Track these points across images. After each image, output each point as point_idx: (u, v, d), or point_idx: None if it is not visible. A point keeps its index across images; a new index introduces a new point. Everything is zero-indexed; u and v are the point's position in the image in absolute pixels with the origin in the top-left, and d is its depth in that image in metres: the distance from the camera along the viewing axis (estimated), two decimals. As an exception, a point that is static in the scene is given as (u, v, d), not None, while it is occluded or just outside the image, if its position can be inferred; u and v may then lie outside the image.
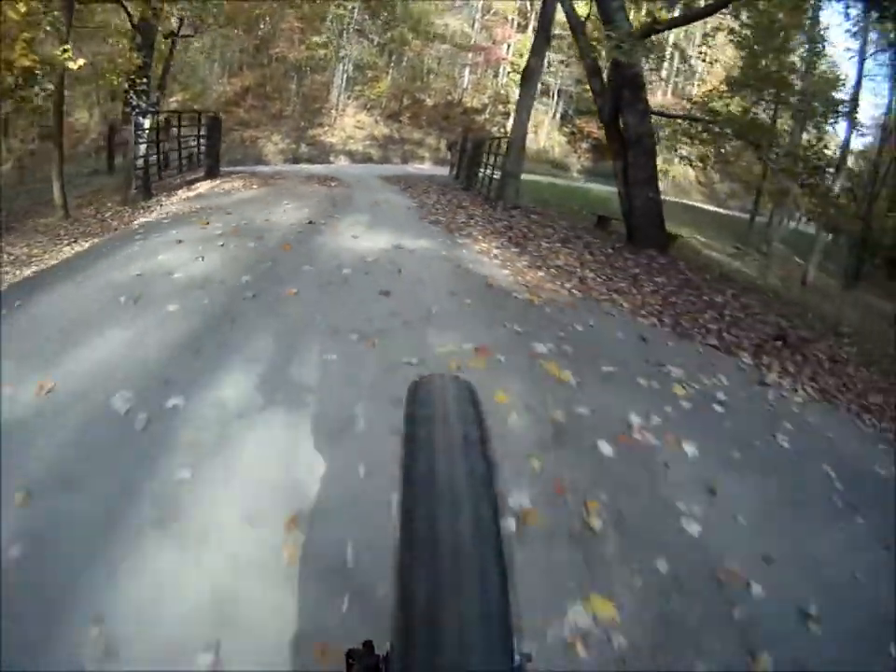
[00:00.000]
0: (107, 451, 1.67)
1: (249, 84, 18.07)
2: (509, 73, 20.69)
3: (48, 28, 5.65)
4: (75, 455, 1.65)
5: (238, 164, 11.87)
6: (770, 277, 10.27)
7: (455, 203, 7.17)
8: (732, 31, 10.11)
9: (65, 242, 5.16)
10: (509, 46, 20.78)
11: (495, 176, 7.85)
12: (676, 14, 7.05)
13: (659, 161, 7.82)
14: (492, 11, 20.61)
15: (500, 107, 21.71)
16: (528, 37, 16.20)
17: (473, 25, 20.57)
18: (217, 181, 7.97)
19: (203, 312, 2.73)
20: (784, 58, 10.60)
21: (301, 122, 17.91)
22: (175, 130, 7.87)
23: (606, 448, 1.92)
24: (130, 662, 1.09)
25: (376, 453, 1.61)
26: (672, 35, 18.70)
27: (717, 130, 7.51)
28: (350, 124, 19.21)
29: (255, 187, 7.45)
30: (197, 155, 8.45)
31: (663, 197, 6.80)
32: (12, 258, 4.80)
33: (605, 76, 6.59)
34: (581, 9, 7.47)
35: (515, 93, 19.26)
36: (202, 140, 8.28)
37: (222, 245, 3.85)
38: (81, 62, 5.59)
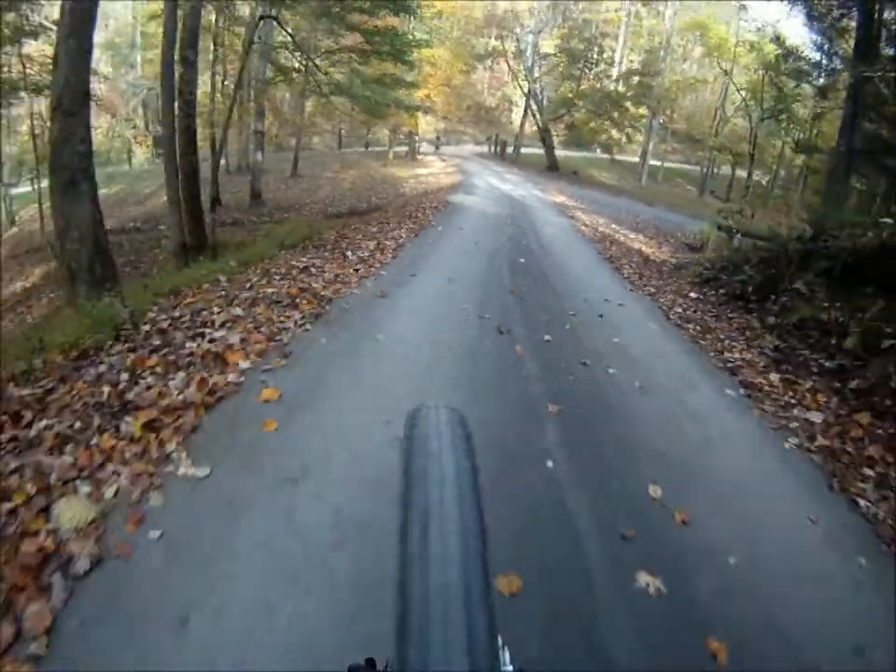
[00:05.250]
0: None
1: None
2: (509, 85, 39.73)
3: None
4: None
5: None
6: (619, 182, 29.45)
7: (503, 166, 26.45)
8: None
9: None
10: (509, 67, 39.77)
11: (508, 150, 27.19)
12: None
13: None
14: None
15: (506, 104, 41.02)
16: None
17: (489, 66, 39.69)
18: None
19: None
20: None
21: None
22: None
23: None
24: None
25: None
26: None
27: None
28: (423, 125, 38.31)
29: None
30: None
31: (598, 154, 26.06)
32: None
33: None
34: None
35: (514, 96, 38.65)
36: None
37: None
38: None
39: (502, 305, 4.82)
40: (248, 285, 4.43)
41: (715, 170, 32.96)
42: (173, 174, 7.49)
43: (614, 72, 33.33)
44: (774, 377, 4.09)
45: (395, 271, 5.67)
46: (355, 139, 34.00)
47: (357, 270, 5.44)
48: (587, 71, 30.47)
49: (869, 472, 2.79)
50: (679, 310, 5.83)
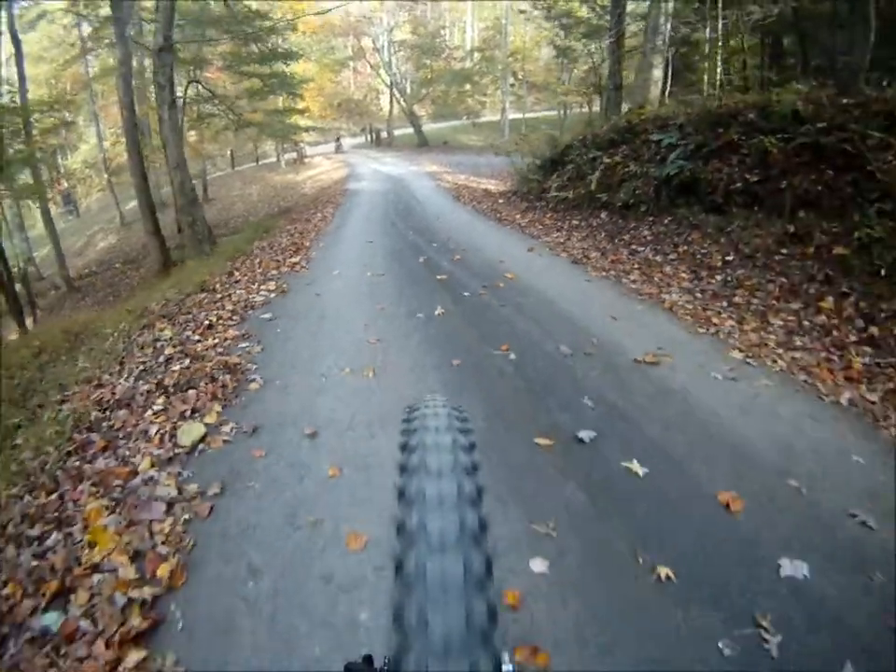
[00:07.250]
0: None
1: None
2: (376, 78, 45.33)
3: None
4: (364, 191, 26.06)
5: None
6: (485, 141, 35.72)
7: (380, 152, 31.98)
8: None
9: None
10: (371, 66, 45.33)
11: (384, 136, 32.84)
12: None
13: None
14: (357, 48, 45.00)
15: (374, 94, 46.59)
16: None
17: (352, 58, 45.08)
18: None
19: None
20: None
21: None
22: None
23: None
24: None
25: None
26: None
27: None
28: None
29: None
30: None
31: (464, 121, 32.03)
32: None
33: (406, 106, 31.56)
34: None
35: (380, 86, 44.45)
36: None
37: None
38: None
39: (392, 221, 10.77)
40: (278, 236, 9.99)
41: (579, 109, 34.52)
42: (149, 214, 11.47)
43: (468, 46, 39.61)
44: (518, 216, 10.13)
45: (337, 222, 11.41)
46: (245, 156, 38.20)
47: (321, 223, 11.13)
48: (435, 57, 36.43)
49: (539, 229, 8.77)
50: (485, 208, 11.78)
